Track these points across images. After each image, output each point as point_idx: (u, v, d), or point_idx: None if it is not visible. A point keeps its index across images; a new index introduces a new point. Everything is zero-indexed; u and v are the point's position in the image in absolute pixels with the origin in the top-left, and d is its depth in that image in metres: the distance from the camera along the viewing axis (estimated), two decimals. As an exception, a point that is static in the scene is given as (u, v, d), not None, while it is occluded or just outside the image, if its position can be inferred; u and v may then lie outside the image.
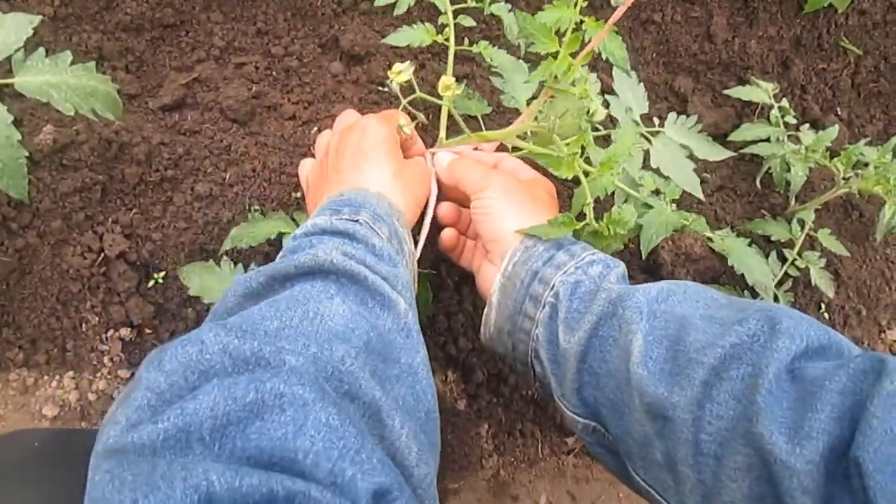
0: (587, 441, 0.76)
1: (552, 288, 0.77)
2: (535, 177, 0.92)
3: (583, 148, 0.84)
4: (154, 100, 1.15)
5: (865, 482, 0.48)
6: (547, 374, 0.77)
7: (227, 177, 1.08)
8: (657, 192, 0.94)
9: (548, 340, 0.77)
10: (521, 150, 0.89)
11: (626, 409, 0.69)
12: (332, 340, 0.58)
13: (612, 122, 1.11)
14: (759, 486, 0.56)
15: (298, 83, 1.19)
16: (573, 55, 0.79)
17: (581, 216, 0.84)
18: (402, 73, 0.86)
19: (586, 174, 0.83)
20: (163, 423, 0.46)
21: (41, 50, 0.79)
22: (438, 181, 0.96)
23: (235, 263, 0.99)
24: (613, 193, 1.00)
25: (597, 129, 1.02)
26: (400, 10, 0.93)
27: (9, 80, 0.77)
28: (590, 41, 0.80)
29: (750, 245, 1.03)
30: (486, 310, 0.85)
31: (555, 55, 0.77)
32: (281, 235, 0.97)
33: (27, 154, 0.76)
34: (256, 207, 1.07)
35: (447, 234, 0.97)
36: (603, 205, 0.98)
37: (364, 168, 0.84)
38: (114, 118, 0.83)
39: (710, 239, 0.95)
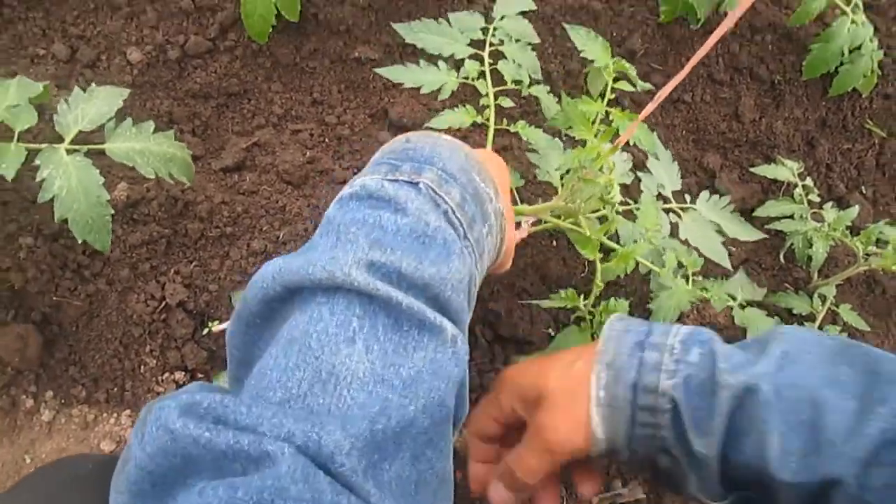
0: None
1: (663, 395, 0.69)
2: None
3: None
4: (217, 161, 1.26)
5: None
6: (682, 469, 0.71)
7: (281, 235, 1.17)
8: (679, 266, 1.00)
9: (677, 440, 0.70)
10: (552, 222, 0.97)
11: (775, 491, 0.65)
12: (334, 430, 0.50)
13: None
14: None
15: (349, 150, 1.29)
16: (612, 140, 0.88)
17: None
18: None
19: (610, 251, 0.90)
20: None
21: (129, 120, 0.90)
22: None
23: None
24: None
25: (627, 203, 1.09)
26: (444, 96, 1.02)
27: (101, 146, 0.87)
28: (618, 132, 0.89)
29: (770, 317, 1.08)
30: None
31: (583, 143, 0.86)
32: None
33: (112, 213, 0.86)
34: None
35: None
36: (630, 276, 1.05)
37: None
38: (187, 182, 0.92)
39: (731, 308, 1.00)
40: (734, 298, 1.01)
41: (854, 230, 1.29)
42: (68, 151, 0.85)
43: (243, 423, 0.49)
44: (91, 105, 0.89)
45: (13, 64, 1.24)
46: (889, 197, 1.55)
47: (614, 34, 1.44)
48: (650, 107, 0.76)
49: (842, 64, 1.42)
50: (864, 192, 1.53)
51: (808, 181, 1.35)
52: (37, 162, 0.83)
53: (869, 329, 1.24)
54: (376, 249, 0.59)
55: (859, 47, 1.39)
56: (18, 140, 0.84)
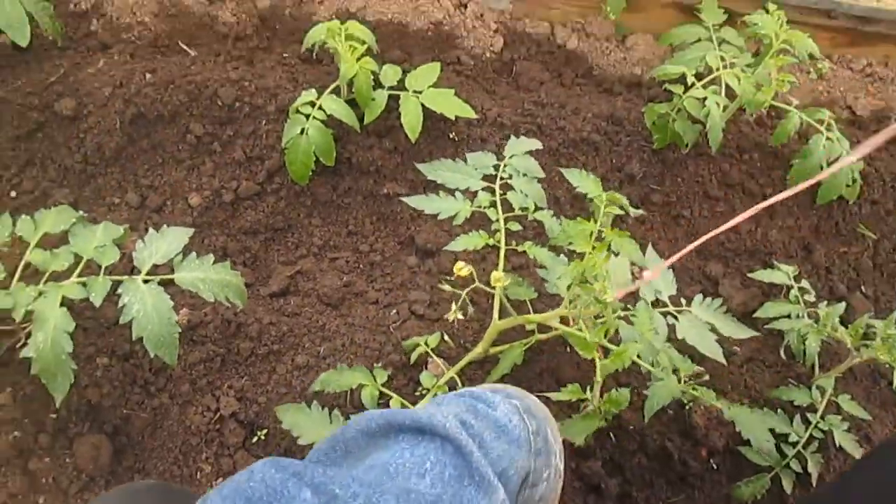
0: None
1: None
2: None
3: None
4: (265, 288, 1.43)
5: None
6: None
7: (322, 350, 1.32)
8: (674, 370, 1.11)
9: None
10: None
11: None
12: (391, 499, 0.62)
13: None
14: None
15: (381, 274, 1.45)
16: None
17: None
18: (463, 268, 1.10)
19: (609, 351, 1.03)
20: None
21: (193, 254, 1.07)
22: None
23: (323, 407, 1.17)
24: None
25: (627, 309, 1.22)
26: (458, 222, 1.19)
27: (170, 276, 1.04)
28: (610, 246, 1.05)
29: (773, 410, 1.17)
30: None
31: (581, 256, 1.01)
32: (361, 387, 1.16)
33: (179, 331, 1.02)
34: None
35: None
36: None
37: None
38: (241, 304, 1.08)
39: (719, 409, 1.11)
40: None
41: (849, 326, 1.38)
42: (144, 281, 1.02)
43: (317, 481, 0.61)
44: (163, 243, 1.07)
45: (94, 211, 1.45)
46: (889, 295, 1.65)
47: (614, 161, 1.61)
48: (673, 258, 0.92)
49: (824, 176, 1.56)
50: (864, 291, 1.63)
51: (805, 283, 1.46)
52: (118, 291, 1.00)
53: (871, 418, 1.32)
54: (470, 415, 0.75)
55: (837, 160, 1.54)
56: (104, 273, 1.02)
